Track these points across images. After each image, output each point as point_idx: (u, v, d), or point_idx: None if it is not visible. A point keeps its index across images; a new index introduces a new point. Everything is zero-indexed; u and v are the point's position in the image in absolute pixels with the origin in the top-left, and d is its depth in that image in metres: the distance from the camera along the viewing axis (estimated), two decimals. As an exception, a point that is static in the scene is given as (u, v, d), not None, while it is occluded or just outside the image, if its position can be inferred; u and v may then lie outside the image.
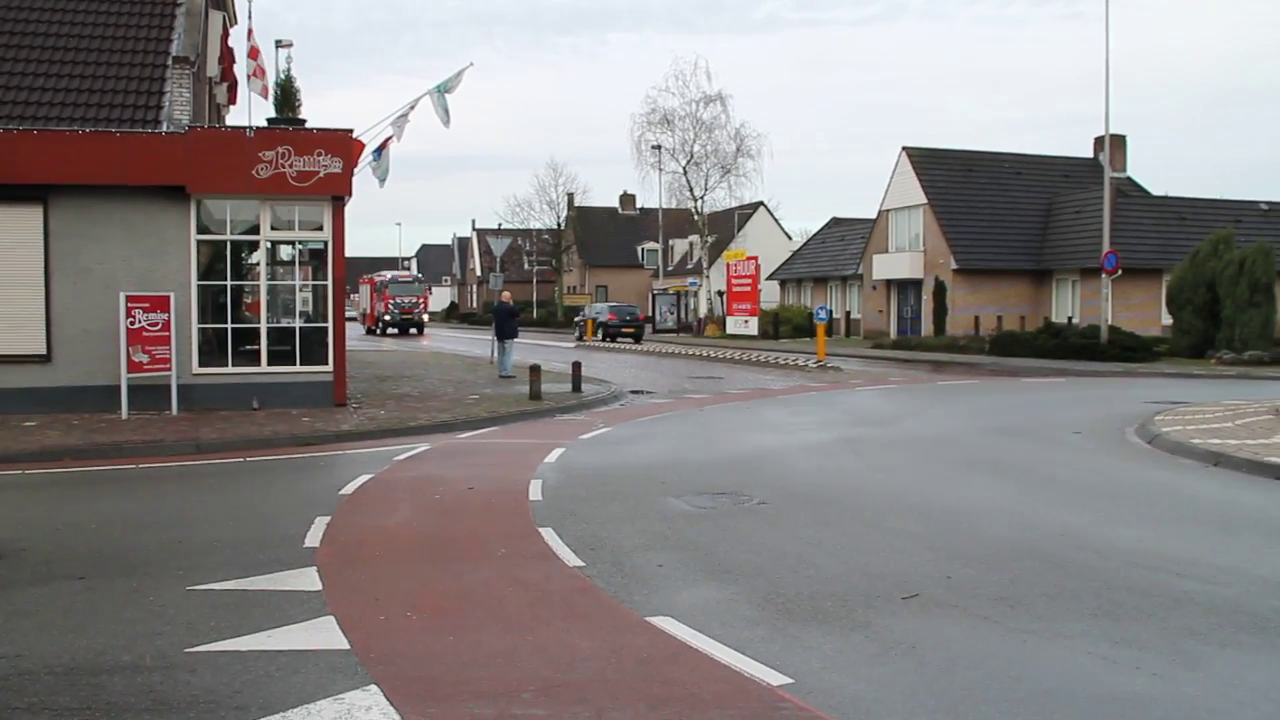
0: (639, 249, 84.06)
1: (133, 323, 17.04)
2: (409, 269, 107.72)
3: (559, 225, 79.58)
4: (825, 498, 11.15)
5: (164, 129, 19.30)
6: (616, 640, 6.41)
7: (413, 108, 22.59)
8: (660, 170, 61.02)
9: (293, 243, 19.51)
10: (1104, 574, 7.87)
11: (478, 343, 44.96)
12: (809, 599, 7.22)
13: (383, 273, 72.70)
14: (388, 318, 63.99)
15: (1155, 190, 51.71)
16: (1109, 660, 6.01)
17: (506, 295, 29.26)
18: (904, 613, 6.93)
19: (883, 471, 13.09)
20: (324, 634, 6.50)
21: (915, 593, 7.34)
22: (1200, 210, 45.48)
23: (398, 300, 64.36)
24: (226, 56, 27.91)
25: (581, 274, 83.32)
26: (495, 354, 26.64)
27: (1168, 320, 38.40)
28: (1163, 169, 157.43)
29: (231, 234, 18.73)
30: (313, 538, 9.16)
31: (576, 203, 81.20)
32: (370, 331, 67.68)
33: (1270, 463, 12.60)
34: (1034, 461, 14.00)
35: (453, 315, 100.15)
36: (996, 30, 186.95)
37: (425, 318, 67.10)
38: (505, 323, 27.36)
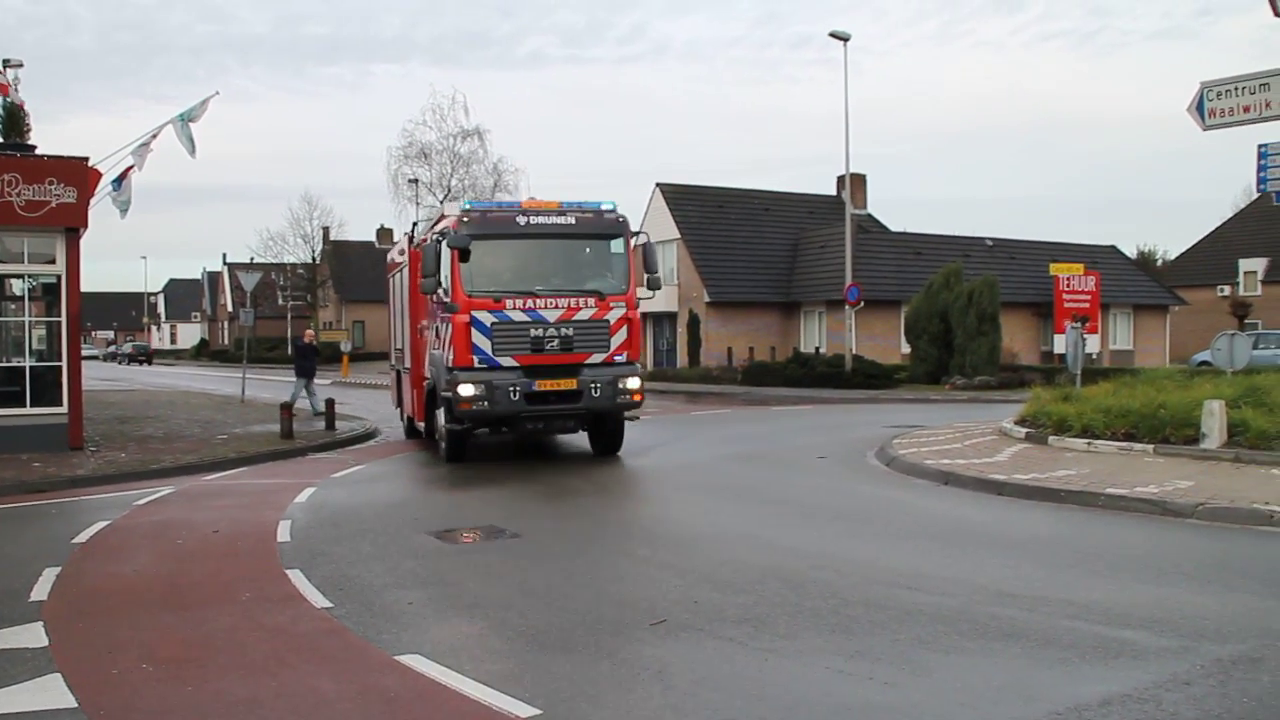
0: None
1: None
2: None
3: (314, 259, 77.52)
4: (578, 529, 11.26)
5: None
6: (364, 681, 6.31)
7: (155, 136, 21.69)
8: (417, 204, 60.18)
9: (22, 276, 18.40)
10: (842, 591, 8.24)
11: (229, 380, 43.34)
12: (559, 630, 7.28)
13: (450, 204, 21.08)
14: (500, 382, 15.54)
15: (894, 226, 54.49)
16: (845, 673, 6.31)
17: (310, 334, 28.99)
18: (651, 638, 7.07)
19: (635, 501, 13.33)
20: (49, 693, 6.14)
21: (663, 618, 7.50)
22: (934, 245, 48.11)
23: (524, 317, 15.72)
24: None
25: (338, 309, 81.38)
26: (295, 392, 26.07)
27: (907, 349, 40.35)
28: (900, 207, 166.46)
29: (-49, 268, 17.53)
30: (40, 590, 8.64)
31: (333, 236, 79.28)
32: (418, 431, 19.95)
33: (994, 480, 13.47)
34: (781, 486, 14.52)
35: (203, 352, 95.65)
36: (754, 72, 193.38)
37: (636, 388, 16.32)
38: (303, 360, 27.29)
